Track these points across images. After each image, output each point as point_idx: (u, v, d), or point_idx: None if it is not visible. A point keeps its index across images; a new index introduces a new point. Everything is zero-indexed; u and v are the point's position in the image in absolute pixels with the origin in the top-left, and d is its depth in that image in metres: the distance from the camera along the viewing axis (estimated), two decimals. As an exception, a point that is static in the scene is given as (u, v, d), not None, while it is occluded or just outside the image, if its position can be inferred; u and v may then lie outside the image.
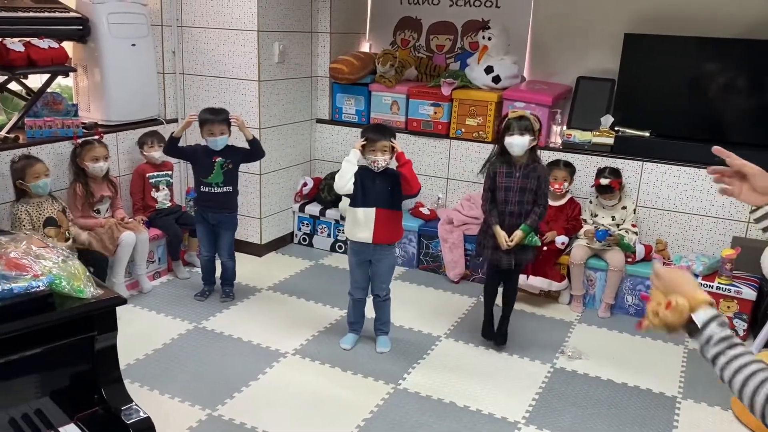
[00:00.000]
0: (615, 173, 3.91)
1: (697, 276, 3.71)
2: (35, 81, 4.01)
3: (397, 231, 3.32)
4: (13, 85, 3.92)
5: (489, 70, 4.37)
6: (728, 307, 3.62)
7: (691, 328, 1.25)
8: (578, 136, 4.19)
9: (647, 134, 4.07)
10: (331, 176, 4.58)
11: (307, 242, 4.86)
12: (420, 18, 4.96)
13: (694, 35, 3.97)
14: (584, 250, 3.89)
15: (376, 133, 3.16)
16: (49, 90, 3.87)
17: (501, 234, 3.21)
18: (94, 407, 1.78)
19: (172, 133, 3.76)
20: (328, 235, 4.77)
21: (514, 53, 4.53)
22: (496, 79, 4.37)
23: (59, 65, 3.74)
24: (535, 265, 3.78)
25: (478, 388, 3.10)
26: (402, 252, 4.51)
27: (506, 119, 3.21)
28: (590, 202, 4.06)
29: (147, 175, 4.08)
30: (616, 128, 4.15)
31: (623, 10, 4.27)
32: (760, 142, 3.81)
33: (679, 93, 4.10)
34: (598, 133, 4.16)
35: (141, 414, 1.76)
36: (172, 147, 3.74)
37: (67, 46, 3.91)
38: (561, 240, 3.91)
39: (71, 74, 4.06)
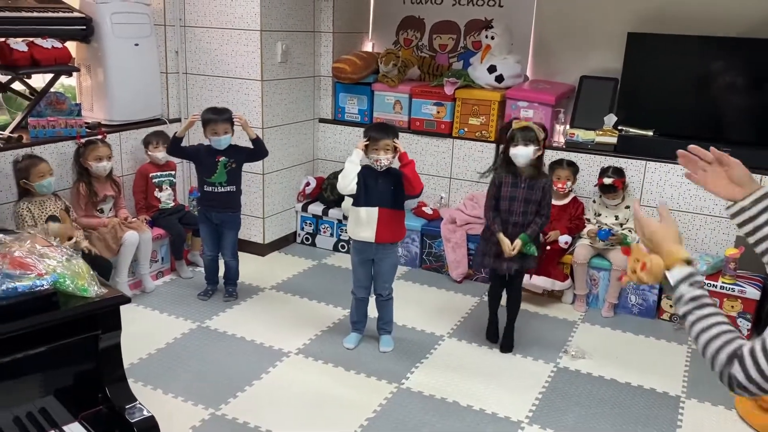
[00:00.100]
0: (618, 172, 3.91)
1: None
2: (38, 81, 4.03)
3: (399, 230, 3.32)
4: (17, 85, 3.93)
5: (492, 69, 4.37)
6: (732, 306, 3.61)
7: (667, 285, 1.28)
8: (581, 135, 4.19)
9: (650, 133, 4.06)
10: (334, 176, 4.58)
11: (309, 242, 4.86)
12: (423, 17, 4.95)
13: (697, 34, 3.96)
14: (587, 250, 3.89)
15: (378, 132, 3.16)
16: (52, 90, 3.87)
17: (506, 242, 3.21)
18: (98, 406, 1.78)
19: (175, 133, 3.76)
20: (331, 235, 4.77)
21: (517, 52, 4.52)
22: (499, 79, 4.37)
23: (62, 65, 3.75)
24: (539, 264, 3.78)
25: (481, 388, 3.10)
26: (405, 251, 4.51)
27: (510, 130, 3.22)
28: (593, 201, 4.05)
29: (150, 175, 4.09)
30: (619, 127, 4.14)
31: (626, 9, 4.26)
32: (763, 141, 3.81)
33: (683, 92, 4.09)
34: (601, 133, 4.15)
35: (145, 413, 1.77)
36: (175, 147, 3.74)
37: (71, 45, 3.92)
38: (564, 239, 3.91)
39: (74, 74, 4.08)
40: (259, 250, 4.62)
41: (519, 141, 3.17)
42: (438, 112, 4.52)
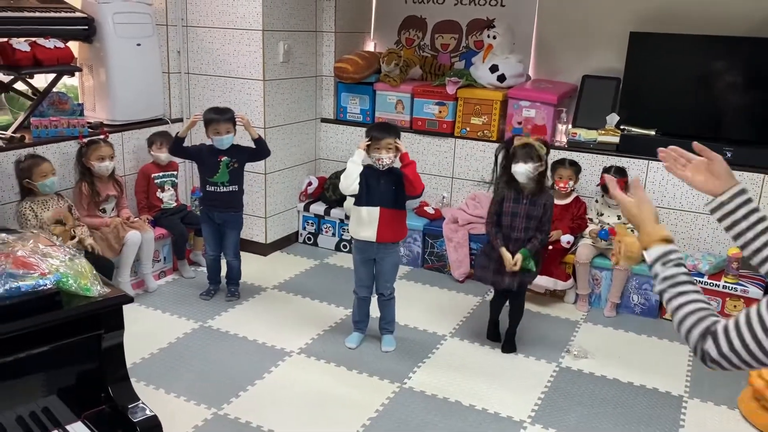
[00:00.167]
0: (620, 172, 3.90)
1: (702, 275, 3.70)
2: (41, 81, 4.03)
3: (401, 230, 3.32)
4: (19, 85, 3.93)
5: (494, 68, 4.37)
6: (735, 306, 3.61)
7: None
8: (584, 134, 4.19)
9: (653, 133, 4.05)
10: (336, 175, 4.58)
11: (311, 241, 4.86)
12: (425, 17, 4.95)
13: (699, 33, 3.95)
14: (590, 249, 3.88)
15: (380, 131, 3.16)
16: (54, 90, 3.88)
17: (507, 256, 3.22)
18: (101, 405, 1.78)
19: (177, 133, 3.77)
20: (333, 235, 4.77)
21: (519, 52, 4.52)
22: (501, 78, 4.37)
23: (65, 65, 3.75)
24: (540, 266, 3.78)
25: (483, 387, 3.10)
26: (407, 251, 4.51)
27: (512, 147, 3.22)
28: (596, 201, 4.05)
29: (152, 175, 4.09)
30: (621, 127, 4.14)
31: (628, 9, 4.26)
32: (765, 140, 3.80)
33: (685, 91, 4.08)
34: (603, 132, 4.15)
35: (148, 412, 1.77)
36: (177, 147, 3.75)
37: (73, 45, 3.93)
38: (566, 239, 3.90)
39: (77, 74, 4.08)
40: (262, 249, 4.63)
41: (519, 158, 3.17)
42: (440, 112, 4.52)
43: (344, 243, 4.71)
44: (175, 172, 4.22)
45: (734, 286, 3.59)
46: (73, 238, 3.47)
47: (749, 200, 1.39)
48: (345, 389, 3.05)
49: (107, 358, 1.78)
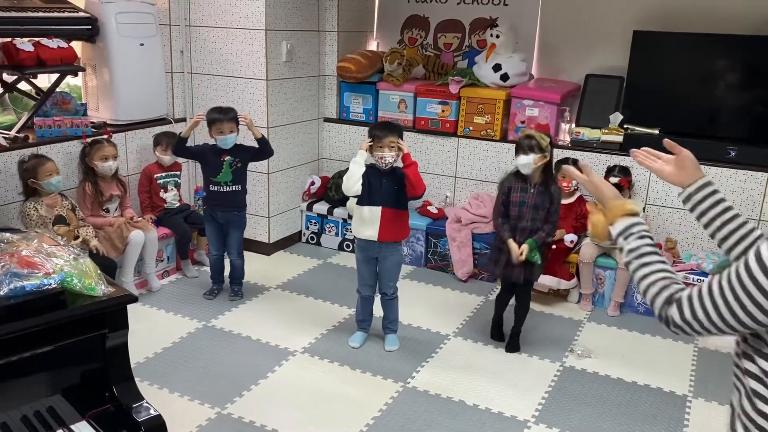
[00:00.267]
0: (624, 171, 3.90)
1: (706, 274, 3.70)
2: (44, 81, 4.03)
3: (403, 230, 3.32)
4: (23, 85, 3.94)
5: (497, 68, 4.36)
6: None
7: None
8: (587, 133, 4.18)
9: (656, 132, 4.04)
10: (339, 175, 4.58)
11: (315, 241, 4.86)
12: (427, 16, 4.95)
13: (703, 32, 3.95)
14: (593, 249, 3.88)
15: (382, 130, 3.16)
16: (58, 89, 3.89)
17: (514, 247, 3.22)
18: (105, 405, 1.78)
19: (180, 133, 3.77)
20: (336, 234, 4.77)
21: (522, 51, 4.51)
22: (504, 77, 4.36)
23: (68, 65, 3.75)
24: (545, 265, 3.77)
25: (487, 387, 3.10)
26: (410, 251, 4.51)
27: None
28: (599, 200, 4.04)
29: (155, 176, 4.09)
30: (625, 126, 4.13)
31: (632, 7, 4.25)
32: (770, 140, 3.80)
33: (689, 90, 4.07)
34: (607, 131, 4.14)
35: (152, 412, 1.77)
36: (180, 147, 3.75)
37: (76, 45, 3.93)
38: (570, 238, 3.90)
39: (80, 74, 4.08)
40: (265, 249, 4.63)
41: (522, 150, 3.18)
42: (443, 111, 4.52)
43: (347, 242, 4.71)
44: (178, 173, 4.23)
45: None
46: (77, 238, 3.48)
47: (716, 191, 1.46)
48: (348, 389, 3.05)
49: (112, 357, 1.78)
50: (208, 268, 4.10)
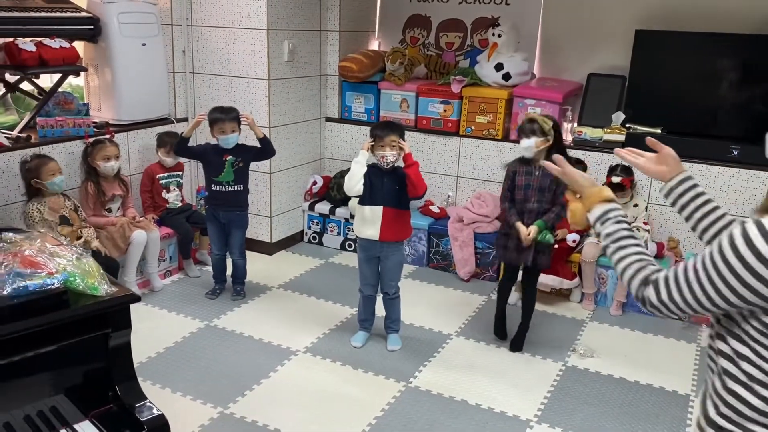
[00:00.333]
0: (627, 171, 3.89)
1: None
2: (47, 81, 4.04)
3: (404, 229, 3.32)
4: (25, 85, 3.95)
5: (499, 67, 4.36)
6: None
7: None
8: (589, 133, 4.17)
9: (659, 131, 4.04)
10: (341, 175, 4.58)
11: (317, 241, 4.86)
12: (429, 15, 4.95)
13: (705, 31, 3.94)
14: (596, 248, 3.87)
15: (383, 129, 3.17)
16: (60, 89, 3.89)
17: (522, 229, 3.22)
18: (108, 404, 1.79)
19: (182, 133, 3.77)
20: (338, 234, 4.77)
21: (524, 50, 4.51)
22: (506, 77, 4.36)
23: (70, 65, 3.76)
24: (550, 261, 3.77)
25: (489, 386, 3.09)
26: (412, 250, 4.51)
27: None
28: (601, 199, 4.03)
29: (157, 176, 4.10)
30: (627, 125, 4.13)
31: (634, 6, 4.24)
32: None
33: (691, 89, 4.07)
34: (609, 130, 4.13)
35: (155, 411, 1.77)
36: (181, 147, 3.75)
37: (78, 45, 3.93)
38: (572, 237, 3.90)
39: (82, 74, 4.08)
40: (267, 248, 4.63)
41: (524, 133, 3.19)
42: (445, 111, 4.52)
43: (349, 242, 4.71)
44: (180, 173, 4.23)
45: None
46: (79, 238, 3.48)
47: (695, 185, 1.52)
48: (351, 388, 3.05)
49: (115, 357, 1.79)
50: (210, 268, 4.11)
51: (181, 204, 4.20)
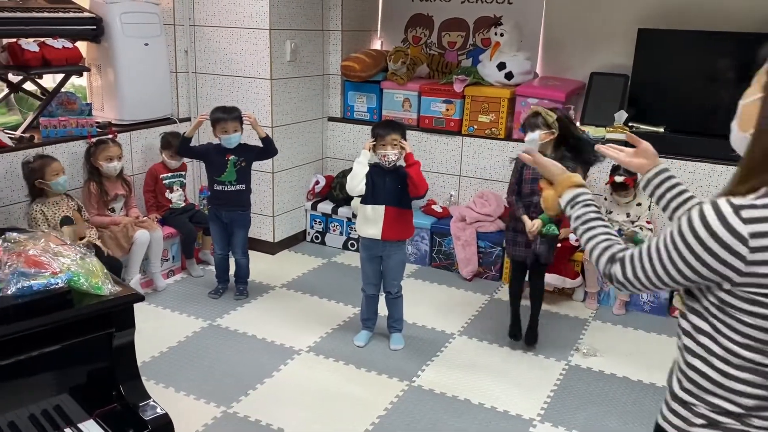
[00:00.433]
0: (629, 170, 3.88)
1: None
2: (49, 81, 4.05)
3: (406, 229, 3.32)
4: (28, 85, 3.95)
5: (501, 66, 4.36)
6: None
7: None
8: (592, 132, 4.16)
9: (661, 130, 4.04)
10: (343, 174, 4.59)
11: (319, 240, 4.86)
12: (431, 15, 4.94)
13: (708, 30, 3.93)
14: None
15: (385, 128, 3.17)
16: (63, 90, 3.90)
17: (528, 222, 3.22)
18: (112, 404, 1.79)
19: (184, 133, 3.78)
20: (341, 233, 4.77)
21: (526, 49, 4.51)
22: (509, 76, 4.36)
23: (73, 65, 3.77)
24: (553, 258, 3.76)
25: (492, 386, 3.09)
26: (414, 249, 4.51)
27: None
28: (605, 199, 4.03)
29: (161, 176, 4.10)
30: (630, 124, 4.12)
31: (636, 5, 4.24)
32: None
33: (694, 88, 4.06)
34: (611, 129, 4.13)
35: (159, 410, 1.78)
36: (184, 147, 3.76)
37: (81, 46, 3.94)
38: (575, 237, 3.89)
39: (85, 74, 4.10)
40: (269, 248, 4.63)
41: (528, 127, 3.19)
42: (447, 110, 4.51)
43: (352, 241, 4.71)
44: (183, 173, 4.23)
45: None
46: (82, 238, 3.48)
47: (671, 177, 1.59)
48: (353, 387, 3.05)
49: (118, 356, 1.79)
50: (213, 268, 4.11)
51: (184, 204, 4.21)
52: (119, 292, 1.76)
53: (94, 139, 3.79)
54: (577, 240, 3.88)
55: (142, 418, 1.75)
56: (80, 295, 1.71)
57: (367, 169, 3.18)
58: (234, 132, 3.65)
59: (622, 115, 4.14)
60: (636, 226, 3.87)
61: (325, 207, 4.77)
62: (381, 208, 3.19)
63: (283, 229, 4.69)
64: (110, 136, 3.87)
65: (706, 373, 1.22)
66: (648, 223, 3.89)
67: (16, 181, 3.52)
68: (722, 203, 1.12)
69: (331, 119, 4.94)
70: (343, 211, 4.69)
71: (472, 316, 3.79)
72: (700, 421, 1.24)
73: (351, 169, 3.25)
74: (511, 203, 3.34)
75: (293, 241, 4.81)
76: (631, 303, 3.92)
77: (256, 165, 3.92)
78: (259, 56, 4.27)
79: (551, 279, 3.90)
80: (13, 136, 3.62)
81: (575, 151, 3.18)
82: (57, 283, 1.66)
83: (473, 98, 4.42)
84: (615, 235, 1.38)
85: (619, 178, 3.84)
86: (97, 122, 3.97)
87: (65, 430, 1.71)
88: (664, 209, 1.58)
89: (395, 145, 3.13)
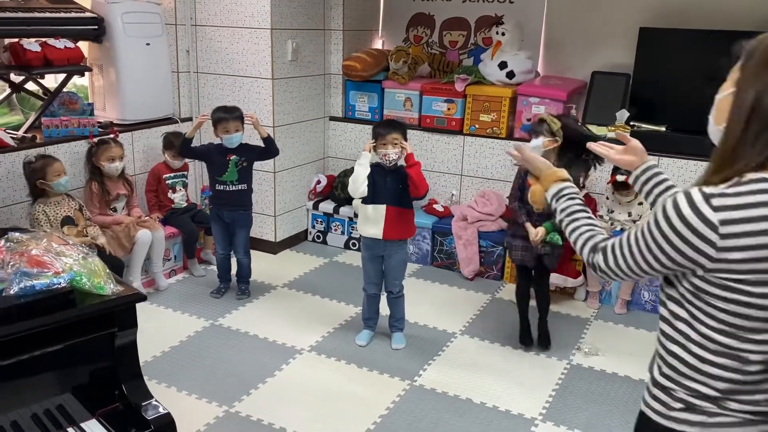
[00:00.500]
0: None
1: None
2: (51, 81, 4.05)
3: (407, 228, 3.32)
4: (30, 85, 3.96)
5: (503, 65, 4.36)
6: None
7: None
8: (593, 131, 4.16)
9: (663, 129, 4.03)
10: (345, 174, 4.59)
11: (321, 240, 4.86)
12: (433, 14, 4.94)
13: (710, 28, 3.93)
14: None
15: (386, 127, 3.17)
16: (65, 89, 3.90)
17: (531, 230, 3.22)
18: (115, 403, 1.79)
19: (185, 134, 3.78)
20: (342, 233, 4.77)
21: (527, 48, 4.50)
22: (510, 75, 4.36)
23: (75, 65, 3.77)
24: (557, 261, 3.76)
25: (494, 385, 3.10)
26: (416, 249, 4.51)
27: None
28: (606, 198, 4.03)
29: (164, 176, 4.10)
30: (631, 123, 4.12)
31: (638, 4, 4.23)
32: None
33: (695, 87, 4.00)
34: (613, 129, 4.12)
35: (161, 410, 1.78)
36: (185, 148, 3.76)
37: (83, 45, 3.94)
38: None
39: (87, 74, 4.10)
40: (271, 248, 4.64)
41: (533, 134, 3.19)
42: (449, 109, 4.51)
43: (353, 241, 4.71)
44: (185, 173, 4.24)
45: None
46: (85, 236, 3.49)
47: (659, 173, 1.64)
48: (355, 387, 3.05)
49: (121, 356, 1.80)
50: (214, 267, 4.12)
51: (186, 204, 4.21)
52: (121, 291, 1.76)
53: (95, 139, 3.79)
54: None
55: (145, 417, 1.75)
56: (82, 294, 1.71)
57: (368, 170, 3.18)
58: (235, 132, 3.66)
59: (623, 114, 4.14)
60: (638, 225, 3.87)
61: (327, 206, 4.77)
62: (382, 208, 3.20)
63: (284, 229, 4.69)
64: (112, 135, 3.87)
65: (683, 359, 1.26)
66: (650, 222, 3.88)
67: (18, 181, 3.53)
68: (694, 192, 1.16)
69: (333, 119, 4.94)
70: (345, 211, 4.69)
71: (473, 316, 3.79)
72: (678, 405, 1.29)
73: (352, 169, 3.25)
74: (514, 210, 3.33)
75: (295, 240, 4.81)
76: (632, 302, 3.91)
77: (257, 164, 3.92)
78: (261, 56, 4.27)
79: (553, 278, 3.88)
80: (15, 136, 3.63)
81: (586, 151, 3.19)
82: (59, 283, 1.66)
83: (474, 97, 4.42)
84: (598, 226, 1.43)
85: (620, 177, 3.83)
86: (98, 122, 3.98)
87: (68, 429, 1.72)
88: (652, 205, 1.62)
89: (396, 144, 3.13)
